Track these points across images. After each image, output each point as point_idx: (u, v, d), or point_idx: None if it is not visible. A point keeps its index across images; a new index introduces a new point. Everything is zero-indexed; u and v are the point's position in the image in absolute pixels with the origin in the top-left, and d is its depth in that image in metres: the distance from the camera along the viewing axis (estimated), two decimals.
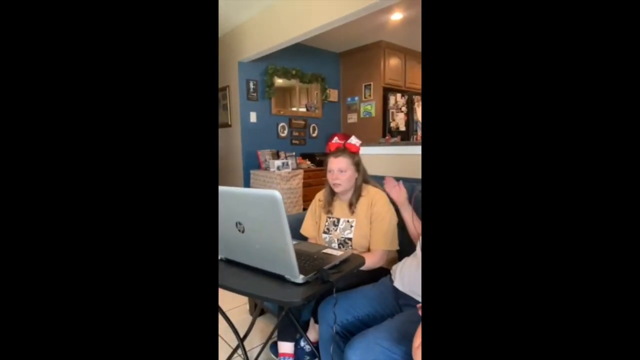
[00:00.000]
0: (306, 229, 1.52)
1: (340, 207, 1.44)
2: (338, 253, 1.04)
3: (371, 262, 1.27)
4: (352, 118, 4.52)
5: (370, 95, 4.28)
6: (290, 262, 0.82)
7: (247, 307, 1.89)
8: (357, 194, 1.39)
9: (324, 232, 1.44)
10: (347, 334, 1.08)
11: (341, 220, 1.41)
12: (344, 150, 1.38)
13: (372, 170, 2.31)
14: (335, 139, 1.42)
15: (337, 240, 1.39)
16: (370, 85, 4.25)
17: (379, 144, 2.59)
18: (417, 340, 0.68)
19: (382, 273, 1.28)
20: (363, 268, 1.17)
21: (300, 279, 0.84)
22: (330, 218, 1.45)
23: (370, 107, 4.29)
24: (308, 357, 1.38)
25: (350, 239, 1.37)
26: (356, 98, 4.44)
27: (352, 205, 1.39)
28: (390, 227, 1.33)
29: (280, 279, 0.87)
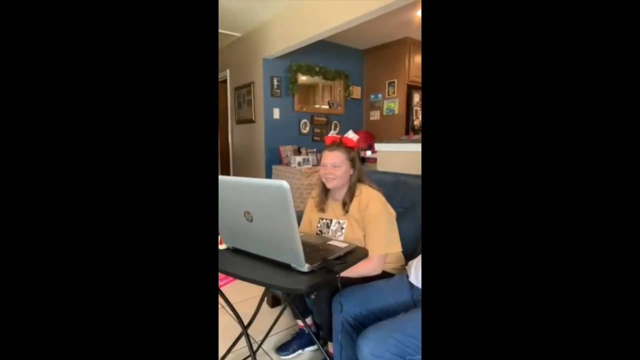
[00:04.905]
0: (303, 229, 1.45)
1: (333, 208, 1.36)
2: (342, 245, 1.05)
3: (365, 269, 1.19)
4: (375, 115, 4.48)
5: (394, 93, 4.22)
6: (297, 251, 0.84)
7: (266, 298, 1.93)
8: (351, 193, 1.30)
9: (317, 235, 1.37)
10: (359, 326, 1.09)
11: (333, 222, 1.34)
12: (339, 144, 1.30)
13: (392, 167, 2.30)
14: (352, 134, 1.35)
15: None
16: (394, 82, 4.20)
17: (400, 141, 2.56)
18: None
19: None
20: (359, 275, 1.17)
21: (305, 267, 0.86)
22: (322, 220, 1.38)
23: (393, 105, 4.24)
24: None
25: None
26: (379, 95, 4.40)
27: (345, 205, 1.30)
28: (386, 228, 1.24)
29: (286, 267, 0.89)
